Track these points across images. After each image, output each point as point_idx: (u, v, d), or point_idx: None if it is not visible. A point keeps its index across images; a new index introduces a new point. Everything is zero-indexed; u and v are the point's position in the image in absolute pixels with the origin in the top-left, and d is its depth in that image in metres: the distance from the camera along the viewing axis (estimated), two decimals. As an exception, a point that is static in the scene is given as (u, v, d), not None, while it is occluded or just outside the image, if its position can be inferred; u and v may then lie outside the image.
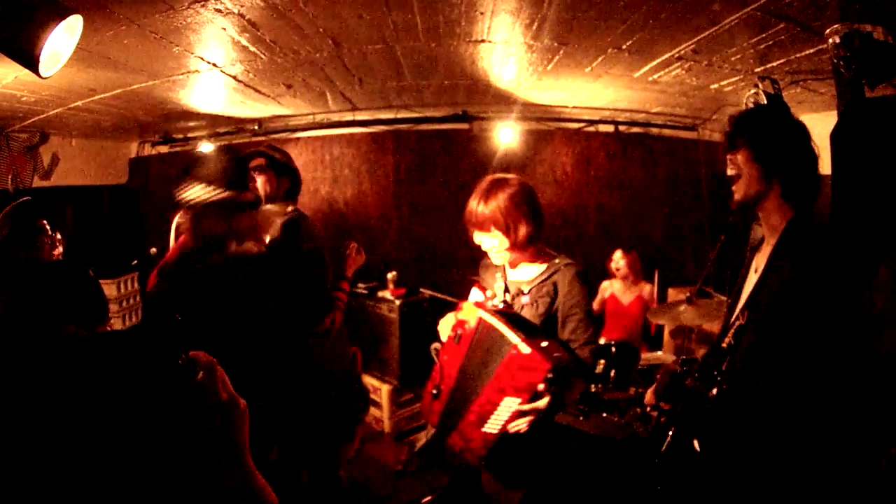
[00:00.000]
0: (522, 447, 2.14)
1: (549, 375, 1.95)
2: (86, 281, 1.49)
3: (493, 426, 2.09)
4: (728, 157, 1.83)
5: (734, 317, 1.83)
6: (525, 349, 1.99)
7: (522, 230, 2.19)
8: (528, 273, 2.30)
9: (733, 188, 1.82)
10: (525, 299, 2.27)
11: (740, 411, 1.73)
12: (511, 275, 2.36)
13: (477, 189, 2.25)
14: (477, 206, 2.21)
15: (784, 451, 1.66)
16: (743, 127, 1.80)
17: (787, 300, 1.66)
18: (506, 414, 2.06)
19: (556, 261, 2.27)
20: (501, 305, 2.31)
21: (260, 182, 2.81)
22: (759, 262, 1.85)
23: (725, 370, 1.77)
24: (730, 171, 1.81)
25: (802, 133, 1.79)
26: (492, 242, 2.24)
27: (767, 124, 1.80)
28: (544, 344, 2.02)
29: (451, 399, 2.26)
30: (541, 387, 1.98)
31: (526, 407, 2.01)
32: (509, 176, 2.28)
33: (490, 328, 2.13)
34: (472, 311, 2.24)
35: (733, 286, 2.02)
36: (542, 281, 2.24)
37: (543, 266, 2.27)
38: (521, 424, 2.04)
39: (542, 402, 2.01)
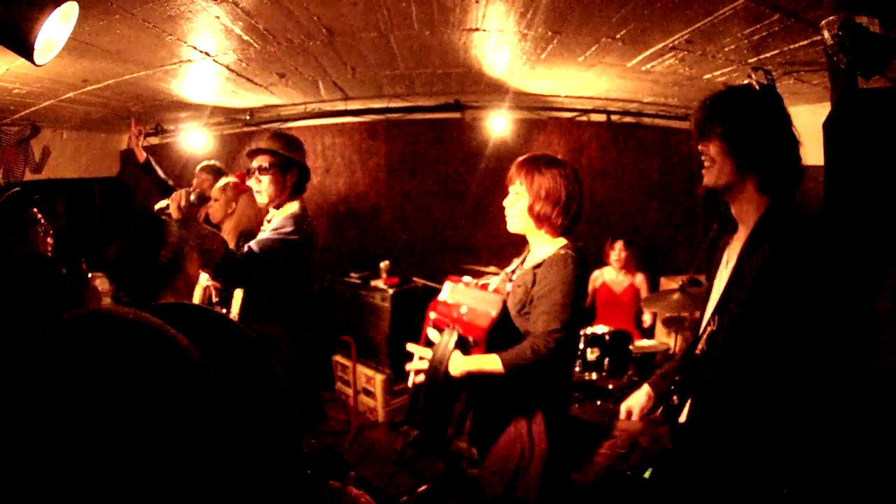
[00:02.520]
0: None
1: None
2: (52, 274, 1.32)
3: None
4: (700, 147, 1.65)
5: (706, 321, 1.68)
6: None
7: (546, 206, 2.10)
8: (530, 261, 2.19)
9: (703, 172, 1.66)
10: (509, 286, 2.17)
11: (714, 421, 1.58)
12: (526, 264, 2.24)
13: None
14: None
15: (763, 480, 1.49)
16: (715, 114, 1.61)
17: (762, 296, 1.49)
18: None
19: (559, 249, 2.10)
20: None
21: (264, 184, 2.72)
22: (730, 256, 1.69)
23: (699, 379, 1.66)
24: (706, 164, 1.65)
25: (782, 118, 1.61)
26: (517, 199, 2.17)
27: (743, 111, 1.61)
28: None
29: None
30: None
31: None
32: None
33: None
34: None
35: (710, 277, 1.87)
36: (532, 268, 2.11)
37: (548, 255, 2.11)
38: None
39: None
